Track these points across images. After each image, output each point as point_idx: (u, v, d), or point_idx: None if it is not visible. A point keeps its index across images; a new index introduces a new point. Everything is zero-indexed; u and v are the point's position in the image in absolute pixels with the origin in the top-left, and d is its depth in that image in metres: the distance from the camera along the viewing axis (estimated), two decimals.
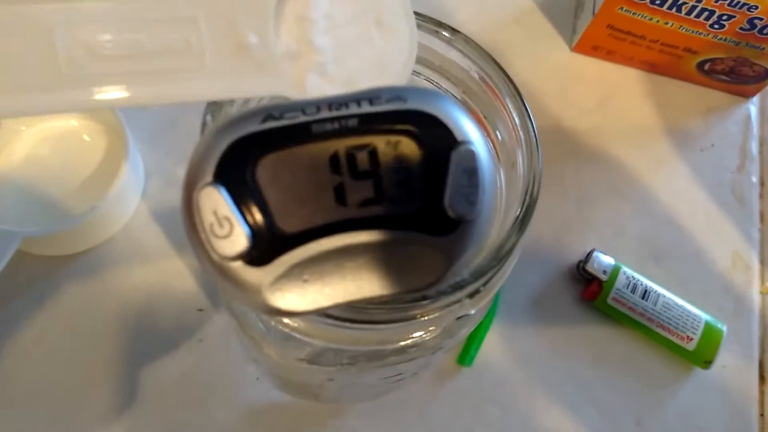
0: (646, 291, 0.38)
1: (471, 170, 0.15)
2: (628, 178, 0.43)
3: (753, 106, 0.46)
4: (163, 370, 0.35)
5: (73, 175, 0.38)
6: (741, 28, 0.40)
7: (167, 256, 0.38)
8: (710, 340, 0.37)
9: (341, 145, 0.15)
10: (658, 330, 0.37)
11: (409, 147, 0.15)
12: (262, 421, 0.35)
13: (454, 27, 0.22)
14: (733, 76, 0.44)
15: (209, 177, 0.15)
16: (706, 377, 0.38)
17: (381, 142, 0.15)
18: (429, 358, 0.24)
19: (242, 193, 0.15)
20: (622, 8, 0.41)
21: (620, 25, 0.42)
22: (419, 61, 0.23)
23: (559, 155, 0.43)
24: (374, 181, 0.15)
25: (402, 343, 0.20)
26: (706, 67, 0.44)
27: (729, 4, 0.38)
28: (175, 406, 0.35)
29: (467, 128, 0.15)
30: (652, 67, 0.46)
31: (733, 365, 0.39)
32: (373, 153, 0.15)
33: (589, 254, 0.39)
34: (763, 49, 0.41)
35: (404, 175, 0.15)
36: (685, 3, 0.39)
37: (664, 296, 0.38)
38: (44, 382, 0.35)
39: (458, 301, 0.18)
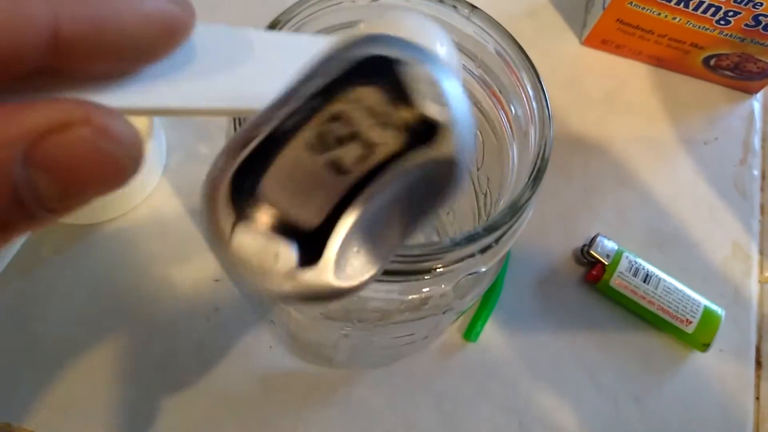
0: (647, 275, 0.39)
1: (430, 79, 0.16)
2: (634, 169, 0.44)
3: (756, 102, 0.47)
4: (180, 337, 0.37)
5: None
6: (746, 25, 0.41)
7: (186, 228, 0.39)
8: (709, 324, 0.39)
9: (311, 130, 0.16)
10: (658, 312, 0.39)
11: (369, 92, 0.16)
12: (276, 388, 0.36)
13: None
14: (738, 72, 0.46)
15: (232, 218, 0.16)
16: (704, 360, 0.39)
17: (345, 104, 0.16)
18: (440, 318, 0.25)
19: (266, 218, 0.16)
20: (631, 3, 0.42)
21: (629, 20, 0.44)
22: None
23: (567, 145, 0.44)
24: (357, 137, 0.16)
25: (414, 296, 0.21)
26: (712, 62, 0.45)
27: (735, 1, 0.40)
28: (190, 372, 0.36)
29: (409, 49, 0.16)
30: (659, 62, 0.47)
31: (730, 350, 0.40)
32: (340, 117, 0.16)
33: (594, 238, 0.40)
34: (767, 45, 0.42)
35: (378, 118, 0.16)
36: None
37: (665, 281, 0.39)
38: (67, 346, 0.36)
39: (471, 255, 0.20)
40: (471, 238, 0.19)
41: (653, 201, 0.44)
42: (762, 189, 0.45)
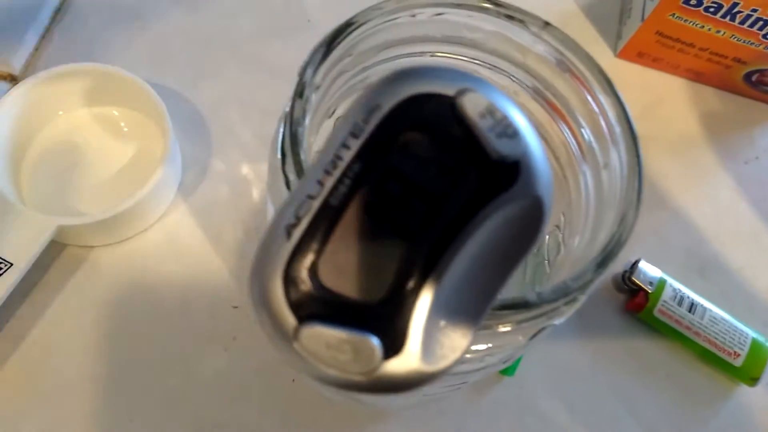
0: (692, 304, 0.37)
1: (488, 108, 0.14)
2: (671, 189, 0.42)
3: None
4: (196, 367, 0.34)
5: (110, 164, 0.36)
6: None
7: (202, 250, 0.37)
8: (757, 357, 0.36)
9: (365, 194, 0.14)
10: (705, 344, 0.36)
11: (418, 138, 0.14)
12: (298, 424, 0.34)
13: None
14: None
15: (293, 321, 0.14)
16: (752, 395, 0.37)
17: (394, 159, 0.14)
18: (498, 366, 0.23)
19: (330, 309, 0.14)
20: (673, 15, 0.40)
21: (669, 32, 0.42)
22: (498, 54, 0.22)
23: None
24: (419, 193, 0.14)
25: (483, 348, 0.19)
26: (754, 78, 0.43)
27: None
28: (208, 405, 0.34)
29: (454, 78, 0.14)
30: (697, 76, 0.45)
31: None
32: (393, 173, 0.14)
33: (635, 264, 0.38)
34: None
35: (437, 165, 0.14)
36: (740, 12, 0.38)
37: (711, 310, 0.37)
38: (75, 374, 0.33)
39: (557, 307, 0.17)
40: (561, 292, 0.17)
41: (693, 223, 0.41)
42: None
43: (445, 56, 0.22)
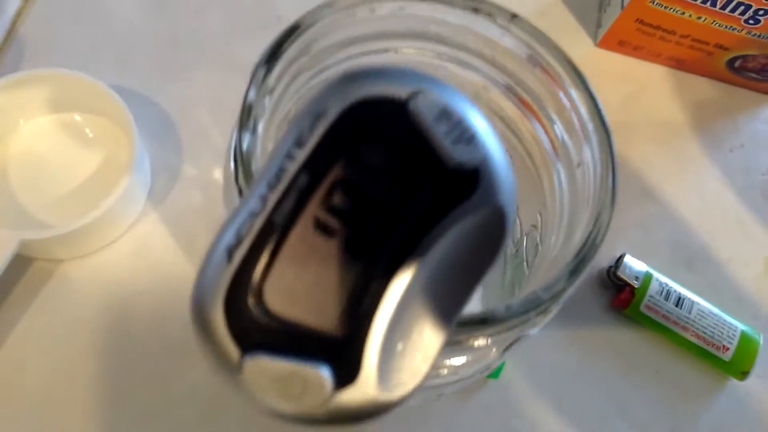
0: (679, 298, 0.36)
1: (442, 111, 0.13)
2: (656, 180, 0.41)
3: None
4: (173, 380, 0.33)
5: (75, 173, 0.35)
6: None
7: (175, 260, 0.35)
8: (747, 350, 0.36)
9: (312, 210, 0.13)
10: (693, 339, 0.36)
11: (369, 146, 0.13)
12: (281, 426, 0.33)
13: None
14: (764, 74, 0.43)
15: (236, 352, 0.12)
16: (742, 388, 0.36)
17: (344, 170, 0.13)
18: (474, 377, 0.22)
19: (277, 337, 0.12)
20: (653, 2, 0.39)
21: (650, 20, 0.41)
22: (464, 48, 0.21)
23: None
24: (372, 207, 0.13)
25: (458, 364, 0.18)
26: (737, 64, 0.42)
27: None
28: (185, 418, 0.33)
29: (406, 78, 0.13)
30: (679, 64, 0.44)
31: None
32: (343, 185, 0.13)
33: (620, 259, 0.37)
34: None
35: (390, 175, 0.13)
36: None
37: (699, 304, 0.36)
38: (46, 394, 0.32)
39: (528, 320, 0.16)
40: (532, 305, 0.16)
41: (679, 214, 0.40)
42: None
43: (410, 52, 0.21)
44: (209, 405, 0.33)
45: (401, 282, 0.13)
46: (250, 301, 0.13)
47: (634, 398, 0.36)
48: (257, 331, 0.13)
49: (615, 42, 0.43)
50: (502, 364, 0.35)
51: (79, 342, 0.33)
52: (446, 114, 0.13)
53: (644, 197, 0.41)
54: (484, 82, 0.21)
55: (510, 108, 0.21)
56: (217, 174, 0.37)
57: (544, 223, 0.22)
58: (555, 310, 0.18)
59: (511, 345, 0.18)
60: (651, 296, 0.36)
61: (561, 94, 0.19)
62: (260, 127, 0.17)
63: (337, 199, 0.13)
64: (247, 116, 0.16)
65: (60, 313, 0.34)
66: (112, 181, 0.33)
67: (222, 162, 0.38)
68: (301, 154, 0.13)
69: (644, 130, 0.42)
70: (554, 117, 0.20)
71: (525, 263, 0.24)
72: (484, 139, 0.13)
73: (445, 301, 0.13)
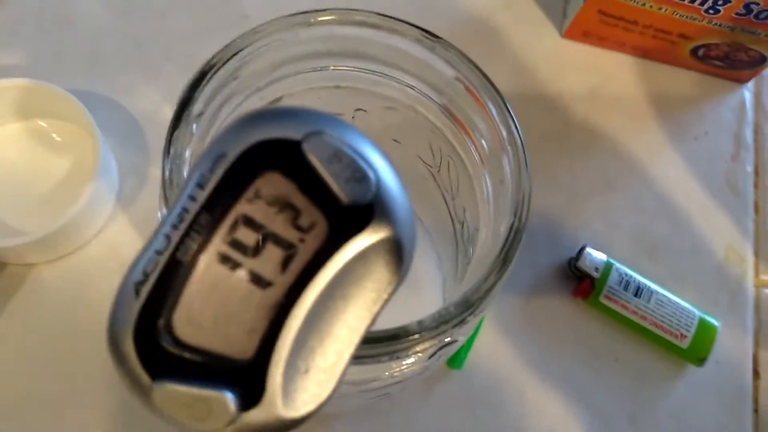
0: (639, 288, 0.37)
1: (334, 153, 0.13)
2: (621, 169, 0.42)
3: (747, 92, 0.45)
4: None
5: (44, 178, 0.36)
6: (737, 13, 0.39)
7: None
8: (704, 338, 0.37)
9: (216, 246, 0.14)
10: (651, 328, 0.37)
11: (267, 185, 0.14)
12: None
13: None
14: (728, 62, 0.43)
15: (146, 379, 0.13)
16: (700, 374, 0.37)
17: (244, 208, 0.14)
18: (416, 378, 0.23)
19: (182, 364, 0.13)
20: None
21: (612, 11, 0.41)
22: (397, 67, 0.22)
23: (550, 146, 0.42)
24: (272, 241, 0.14)
25: (387, 373, 0.19)
26: (700, 52, 0.43)
27: None
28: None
29: (302, 120, 0.14)
30: (644, 53, 0.44)
31: (727, 361, 0.38)
32: (246, 221, 0.14)
33: (581, 251, 0.38)
34: (759, 34, 0.40)
35: (288, 211, 0.14)
36: None
37: (658, 293, 0.37)
38: (21, 395, 0.33)
39: (444, 331, 0.17)
40: (442, 320, 0.17)
41: (643, 204, 0.41)
42: (756, 186, 0.42)
43: (344, 69, 0.22)
44: None
45: (302, 308, 0.14)
46: (160, 331, 0.14)
47: (595, 386, 0.37)
48: (166, 359, 0.14)
49: (580, 33, 0.44)
50: (465, 354, 0.36)
51: (54, 342, 0.34)
52: (338, 155, 0.13)
53: (608, 187, 0.41)
54: (421, 98, 0.22)
55: (445, 123, 0.22)
56: None
57: (480, 220, 0.23)
58: (476, 319, 0.19)
59: (436, 352, 0.19)
60: (610, 287, 0.37)
61: (483, 112, 0.20)
62: (187, 153, 0.18)
63: (240, 234, 0.14)
64: (168, 145, 0.17)
65: (33, 316, 0.35)
66: (80, 186, 0.33)
67: None
68: (203, 195, 0.14)
69: (609, 120, 0.43)
70: (480, 132, 0.21)
71: (471, 248, 0.25)
72: (378, 177, 0.14)
73: (347, 323, 0.14)
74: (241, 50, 0.19)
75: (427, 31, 0.20)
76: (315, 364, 0.14)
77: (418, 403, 0.35)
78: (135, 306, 0.13)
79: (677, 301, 0.37)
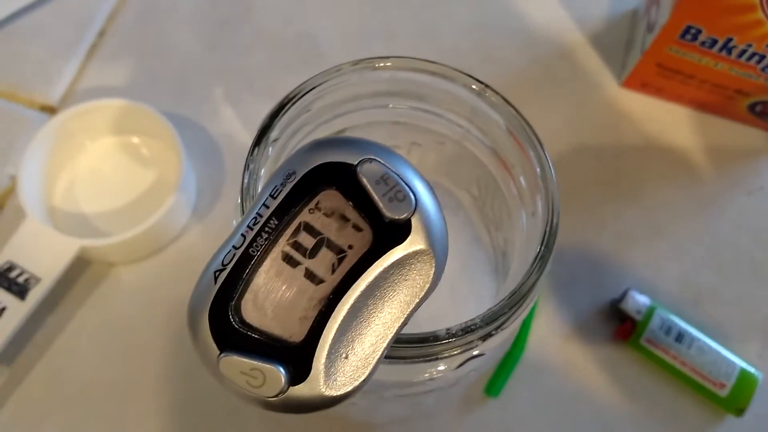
0: (680, 333, 0.38)
1: (382, 176, 0.16)
2: (671, 218, 0.43)
3: None
4: (201, 378, 0.37)
5: (131, 188, 0.40)
6: None
7: None
8: (744, 388, 0.37)
9: (281, 246, 0.17)
10: (690, 374, 0.37)
11: (326, 199, 0.17)
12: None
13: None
14: None
15: (215, 350, 0.16)
16: (739, 425, 0.37)
17: (306, 217, 0.17)
18: (448, 390, 0.24)
19: (246, 341, 0.16)
20: (671, 48, 0.41)
21: (669, 65, 0.42)
22: (449, 108, 0.24)
23: (601, 191, 0.43)
24: (326, 245, 0.16)
25: (415, 379, 0.21)
26: (758, 108, 0.43)
27: None
28: (211, 413, 0.37)
29: (359, 148, 0.17)
30: (701, 107, 0.45)
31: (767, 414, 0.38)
32: (306, 228, 0.17)
33: (625, 293, 0.39)
34: None
35: (342, 221, 0.16)
36: (735, 46, 0.39)
37: (699, 340, 0.38)
38: (90, 380, 0.37)
39: (470, 342, 0.19)
40: (468, 329, 0.19)
41: (691, 253, 0.42)
42: None
43: (403, 108, 0.24)
44: (232, 402, 0.37)
45: (346, 303, 0.16)
46: (229, 312, 0.17)
47: (630, 428, 0.37)
48: (232, 335, 0.16)
49: (638, 83, 0.45)
50: (503, 383, 0.37)
51: (126, 336, 0.38)
52: (385, 178, 0.16)
53: (655, 235, 0.42)
54: (469, 137, 0.24)
55: (490, 160, 0.24)
56: None
57: (515, 250, 0.25)
58: (503, 336, 0.21)
59: (464, 362, 0.21)
60: (652, 330, 0.38)
61: (522, 153, 0.22)
62: (262, 171, 0.21)
63: (301, 238, 0.17)
64: (248, 162, 0.20)
65: (110, 310, 0.38)
66: (162, 197, 0.37)
67: None
68: (274, 204, 0.17)
69: (663, 169, 0.44)
70: (519, 171, 0.23)
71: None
72: (418, 198, 0.16)
73: (383, 320, 0.17)
74: (315, 87, 0.22)
75: (476, 79, 0.22)
76: (354, 351, 0.16)
77: (453, 427, 0.37)
78: (213, 289, 0.16)
79: (718, 350, 0.38)
